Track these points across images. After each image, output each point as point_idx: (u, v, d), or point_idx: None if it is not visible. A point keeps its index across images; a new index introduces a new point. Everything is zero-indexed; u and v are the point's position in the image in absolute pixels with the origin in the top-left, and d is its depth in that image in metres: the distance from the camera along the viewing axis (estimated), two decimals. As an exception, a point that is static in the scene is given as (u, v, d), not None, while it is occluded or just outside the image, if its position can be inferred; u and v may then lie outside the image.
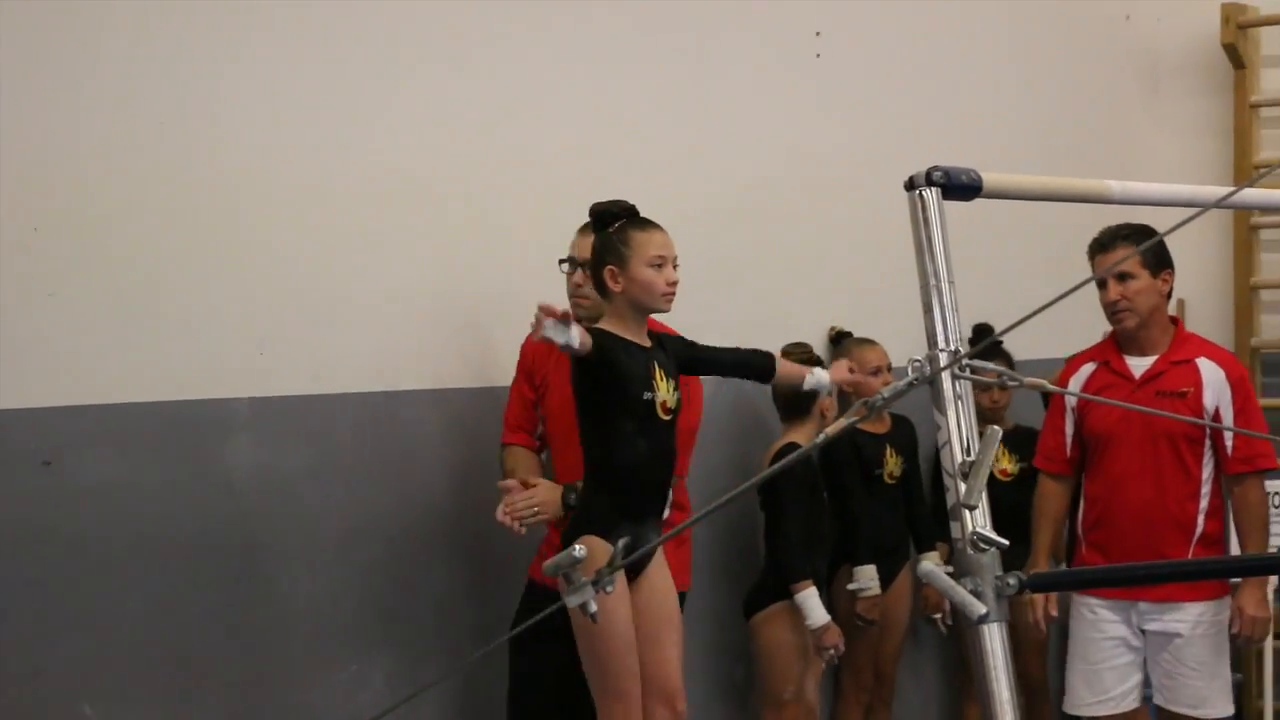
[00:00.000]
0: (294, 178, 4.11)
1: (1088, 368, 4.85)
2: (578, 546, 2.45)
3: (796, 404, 5.05)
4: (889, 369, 5.31)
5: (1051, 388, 2.92)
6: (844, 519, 5.23)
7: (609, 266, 3.92)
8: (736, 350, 4.19)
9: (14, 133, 3.61)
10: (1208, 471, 4.70)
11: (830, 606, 4.98)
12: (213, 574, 3.94)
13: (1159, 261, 4.71)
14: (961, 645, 5.60)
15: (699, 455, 4.52)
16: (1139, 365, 4.75)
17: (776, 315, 5.16)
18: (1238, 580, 4.73)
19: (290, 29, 4.11)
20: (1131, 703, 4.78)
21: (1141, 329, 4.73)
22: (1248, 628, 4.68)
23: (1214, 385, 4.68)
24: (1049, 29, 6.57)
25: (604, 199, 4.00)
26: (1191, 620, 4.69)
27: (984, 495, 2.35)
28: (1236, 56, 6.73)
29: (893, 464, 5.40)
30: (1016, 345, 5.77)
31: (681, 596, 4.20)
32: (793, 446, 4.94)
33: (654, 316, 4.03)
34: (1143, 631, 4.74)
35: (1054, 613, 4.84)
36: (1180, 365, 4.72)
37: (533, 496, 4.13)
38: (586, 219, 4.10)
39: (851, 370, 4.51)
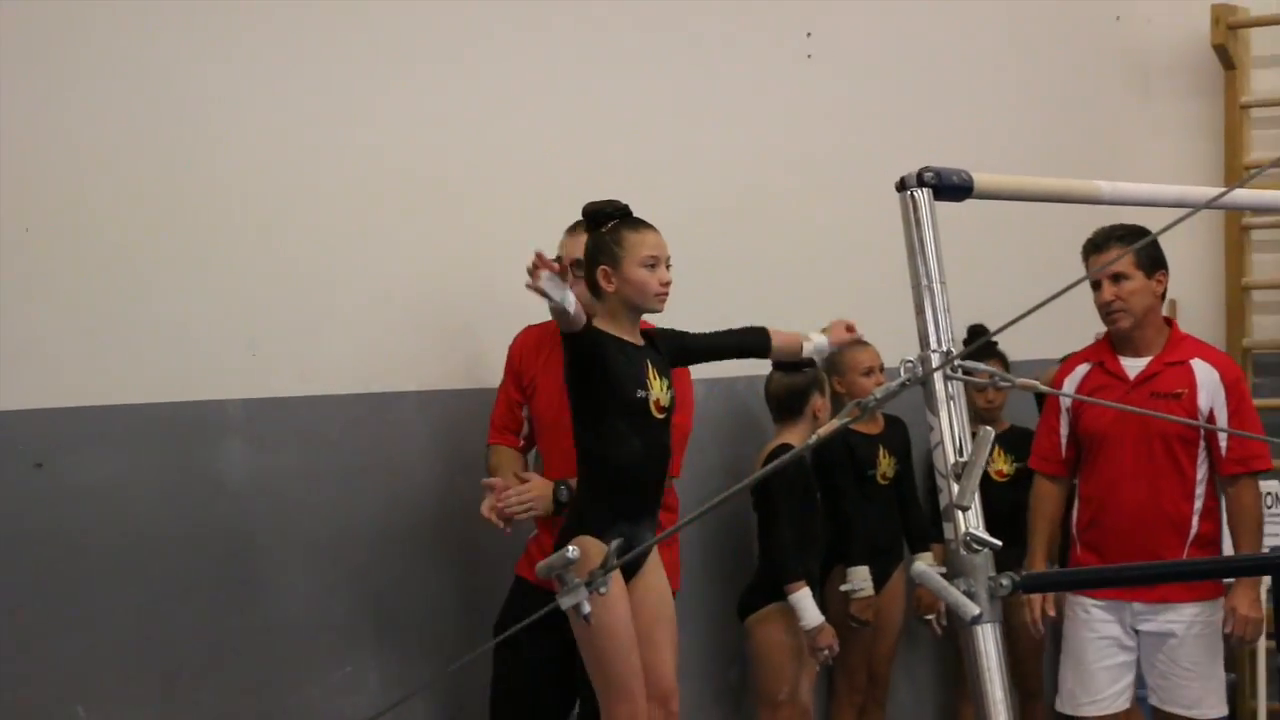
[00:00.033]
0: (285, 180, 4.11)
1: (1082, 368, 4.85)
2: (571, 548, 2.45)
3: (789, 405, 5.05)
4: (881, 370, 5.32)
5: (1043, 388, 2.92)
6: (837, 520, 5.24)
7: (602, 266, 3.92)
8: (729, 332, 4.20)
9: (5, 134, 3.60)
10: (1202, 472, 4.70)
11: (824, 607, 4.98)
12: (205, 575, 3.94)
13: (1153, 262, 4.71)
14: (957, 646, 5.61)
15: (692, 456, 4.52)
16: (1134, 366, 4.75)
17: (769, 316, 5.14)
18: (1231, 581, 4.74)
19: (281, 32, 4.11)
20: (1123, 703, 4.78)
21: (1136, 330, 4.73)
22: (1241, 628, 4.68)
23: (1208, 386, 4.69)
24: (1040, 30, 6.58)
25: (594, 200, 4.00)
26: (1186, 621, 4.69)
27: (977, 496, 2.35)
28: (1227, 57, 6.74)
29: (886, 465, 5.41)
30: (1012, 346, 5.78)
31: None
32: (786, 447, 4.93)
33: (645, 317, 4.03)
34: (1136, 632, 4.74)
35: (1051, 613, 4.84)
36: (1175, 366, 4.72)
37: (525, 491, 4.14)
38: (574, 220, 4.10)
39: (849, 329, 4.49)
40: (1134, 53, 6.99)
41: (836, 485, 5.26)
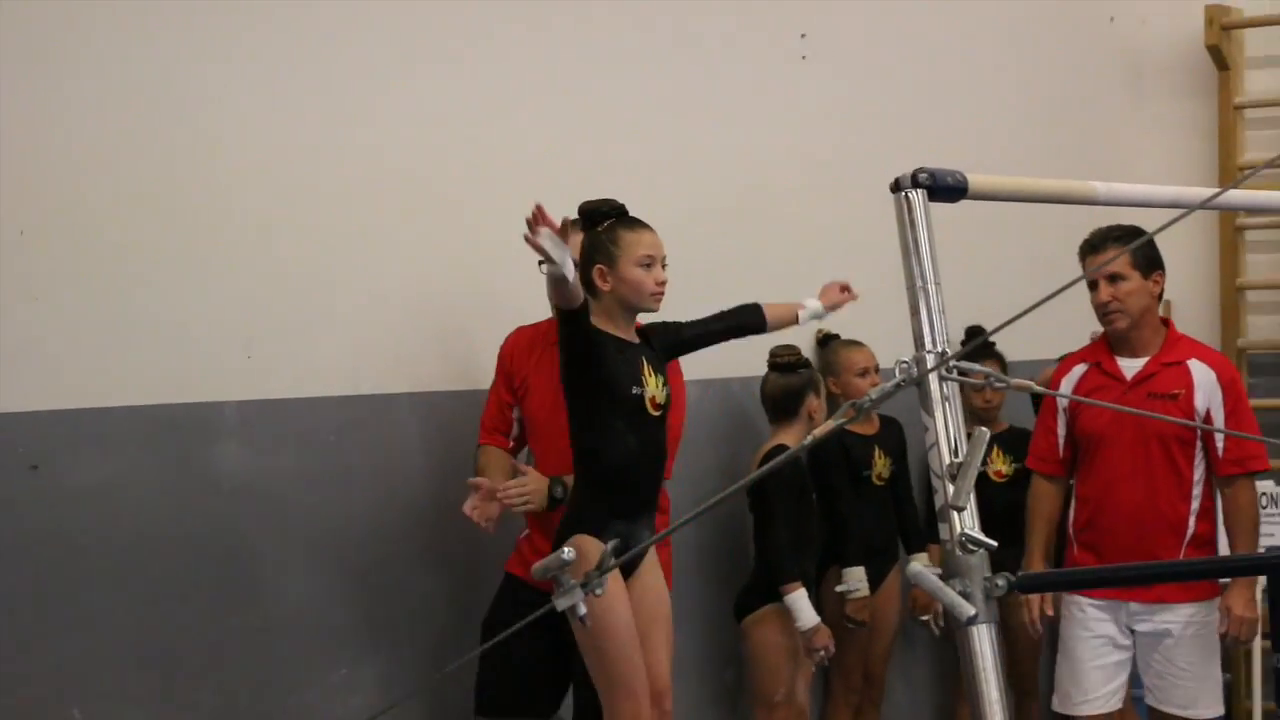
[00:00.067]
0: (281, 181, 4.11)
1: (1079, 369, 4.86)
2: (566, 549, 2.45)
3: (785, 406, 5.06)
4: (877, 370, 5.33)
5: (1038, 389, 2.92)
6: (833, 520, 5.24)
7: (598, 266, 3.92)
8: (721, 314, 4.20)
9: (1, 135, 3.60)
10: (1199, 473, 4.71)
11: (819, 608, 4.98)
12: (201, 576, 3.94)
13: (1150, 263, 4.72)
14: (954, 646, 5.61)
15: (688, 457, 4.53)
16: (1130, 367, 4.76)
17: (764, 317, 5.17)
18: (1227, 581, 4.74)
19: (279, 33, 4.11)
20: (1116, 703, 4.79)
21: (1133, 330, 4.73)
22: (1236, 628, 4.69)
23: (1205, 387, 4.69)
24: (1034, 31, 6.59)
25: (590, 199, 4.00)
26: (1182, 621, 4.70)
27: (972, 496, 2.35)
28: (1220, 58, 6.75)
29: (881, 465, 5.41)
30: (1009, 346, 5.79)
31: (663, 596, 4.21)
32: (781, 448, 4.94)
33: (639, 316, 4.03)
34: (1132, 631, 4.75)
35: (1050, 612, 4.85)
36: (1172, 367, 4.73)
37: (524, 485, 4.15)
38: (570, 219, 4.09)
39: (844, 289, 4.48)
40: (1128, 53, 7.00)
41: (832, 486, 5.26)
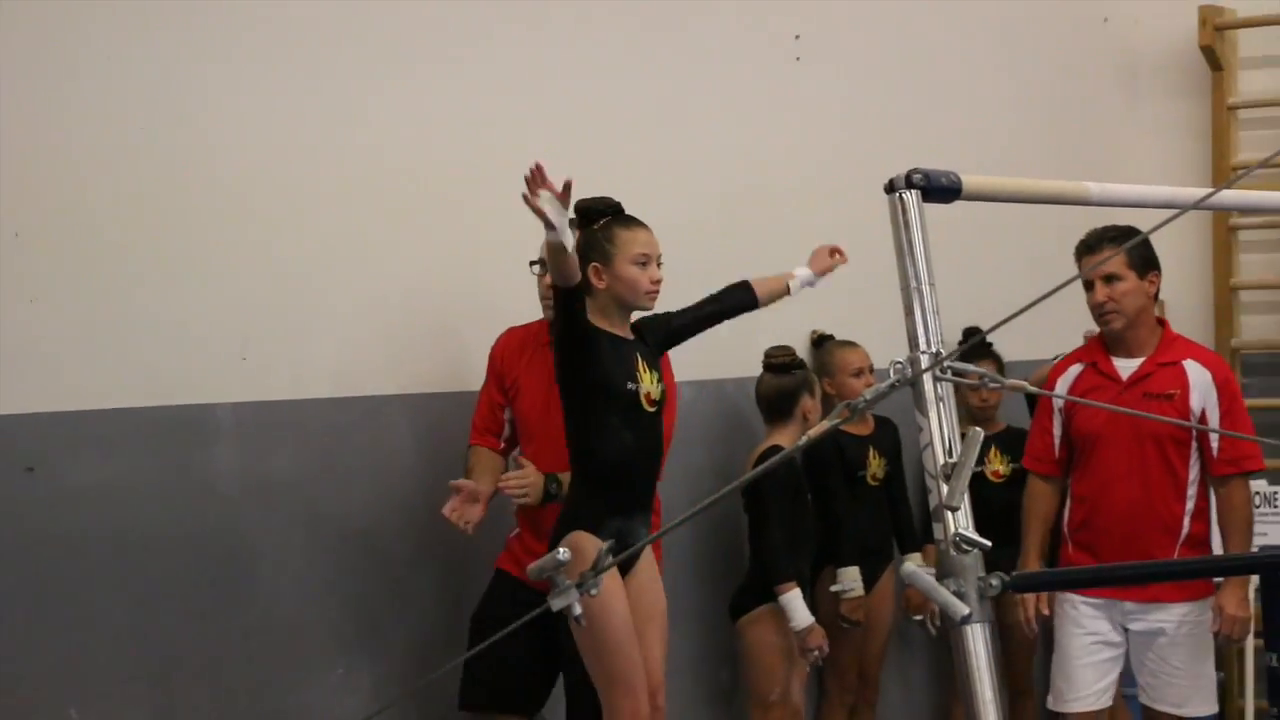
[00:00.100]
0: (278, 183, 4.12)
1: (1075, 369, 4.87)
2: (562, 550, 2.45)
3: (780, 406, 5.07)
4: (871, 371, 5.34)
5: (1032, 389, 2.94)
6: (827, 521, 5.25)
7: (593, 263, 3.92)
8: (711, 298, 4.20)
9: (-3, 137, 3.62)
10: (1194, 473, 4.72)
11: (814, 608, 4.99)
12: (197, 578, 3.95)
13: (1145, 263, 4.73)
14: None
15: (684, 458, 4.54)
16: (1126, 367, 4.77)
17: (758, 318, 5.16)
18: (1220, 580, 4.76)
19: (274, 37, 4.12)
20: (1107, 700, 4.80)
21: (1129, 330, 4.74)
22: (1228, 627, 4.70)
23: (1201, 387, 4.70)
24: (1028, 32, 6.60)
25: (586, 197, 4.00)
26: (1176, 620, 4.71)
27: (966, 496, 2.36)
28: (1214, 58, 6.76)
29: (876, 466, 5.42)
30: (1006, 346, 5.80)
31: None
32: (776, 449, 4.95)
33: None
34: (1126, 630, 4.76)
35: (1046, 611, 4.86)
36: (1167, 367, 4.74)
37: (524, 477, 4.17)
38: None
39: (833, 252, 4.48)
40: (1123, 54, 7.01)
41: (827, 486, 5.27)
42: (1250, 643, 5.56)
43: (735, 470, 5.16)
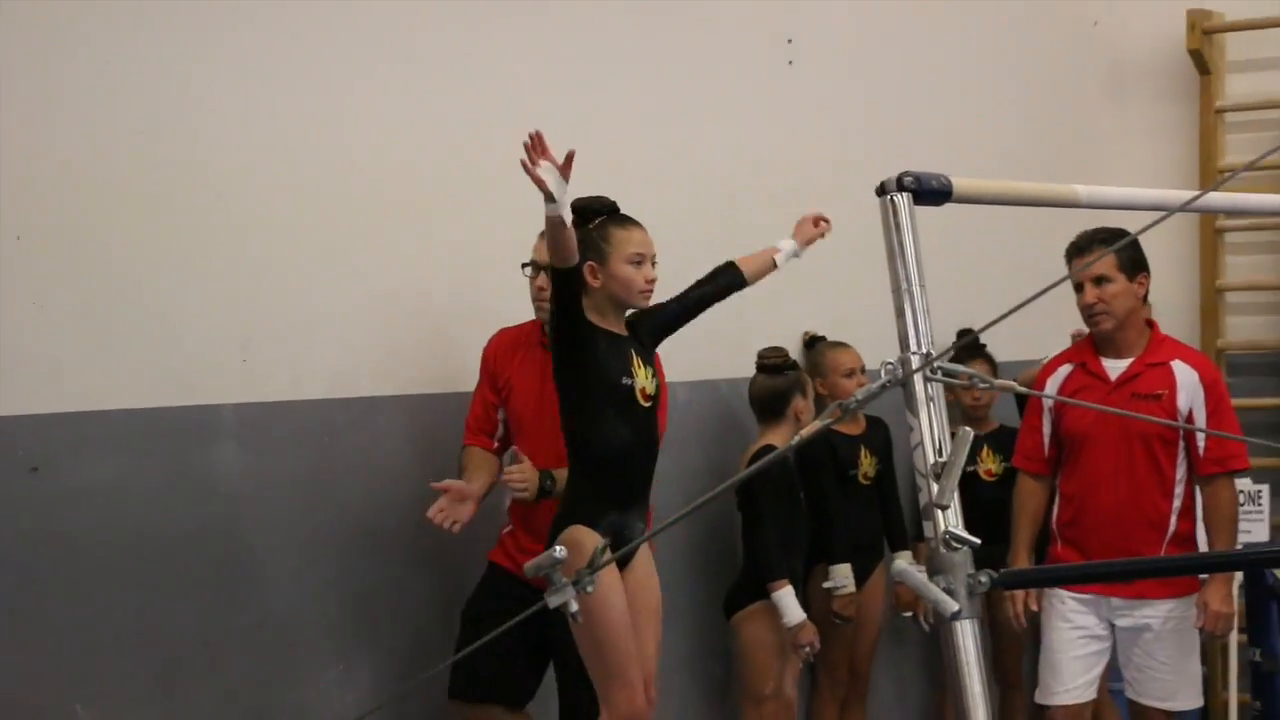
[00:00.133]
0: (274, 186, 4.13)
1: (1064, 369, 4.91)
2: (558, 548, 2.48)
3: (772, 406, 5.10)
4: (863, 371, 5.37)
5: (1021, 389, 2.97)
6: (820, 519, 5.28)
7: (588, 262, 3.93)
8: (698, 283, 4.18)
9: (-2, 140, 3.64)
10: (1181, 472, 4.76)
11: (806, 604, 5.03)
12: (199, 577, 3.98)
13: (1135, 265, 4.77)
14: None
15: (678, 458, 4.56)
16: (1115, 367, 4.81)
17: (750, 320, 5.21)
18: (1205, 576, 4.80)
19: (274, 38, 4.13)
20: (1091, 693, 4.83)
21: (1118, 331, 4.78)
22: (1212, 623, 4.74)
23: (1188, 388, 4.74)
24: (1018, 35, 6.63)
25: (582, 196, 4.03)
26: (1162, 616, 4.75)
27: (956, 495, 2.39)
28: (1202, 62, 6.79)
29: (867, 465, 5.46)
30: (998, 347, 5.83)
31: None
32: (769, 448, 4.97)
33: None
34: (1113, 626, 4.80)
35: (1035, 607, 4.89)
36: (1155, 368, 4.78)
37: (524, 471, 4.19)
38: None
39: (817, 222, 4.48)
40: (1111, 58, 7.04)
41: (819, 485, 5.30)
42: (1234, 638, 5.61)
43: (729, 470, 5.18)
